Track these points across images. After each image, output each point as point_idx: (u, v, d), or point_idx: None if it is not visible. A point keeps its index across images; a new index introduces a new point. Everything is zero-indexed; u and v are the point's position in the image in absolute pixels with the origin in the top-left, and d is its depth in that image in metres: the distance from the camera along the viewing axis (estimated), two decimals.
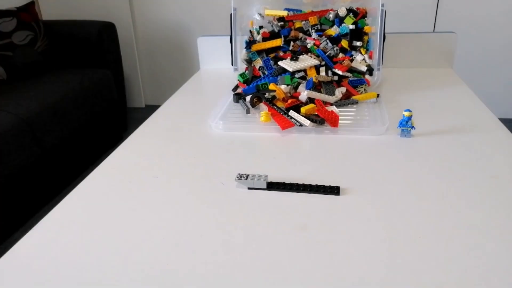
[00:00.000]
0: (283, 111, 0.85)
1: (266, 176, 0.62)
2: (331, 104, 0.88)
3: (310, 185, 0.61)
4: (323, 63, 0.97)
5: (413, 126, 0.75)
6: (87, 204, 0.60)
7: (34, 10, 2.00)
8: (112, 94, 2.09)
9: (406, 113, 0.74)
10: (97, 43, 2.05)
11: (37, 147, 1.57)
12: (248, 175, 0.62)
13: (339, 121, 0.82)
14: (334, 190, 0.60)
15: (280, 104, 0.89)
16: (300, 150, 0.73)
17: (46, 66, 2.01)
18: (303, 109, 0.82)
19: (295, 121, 0.81)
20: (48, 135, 1.63)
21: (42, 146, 1.60)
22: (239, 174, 0.63)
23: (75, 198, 0.62)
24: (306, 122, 0.80)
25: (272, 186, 0.61)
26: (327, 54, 0.99)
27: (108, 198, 0.62)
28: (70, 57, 2.11)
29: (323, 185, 0.61)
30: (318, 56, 0.99)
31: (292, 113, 0.83)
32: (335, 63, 0.98)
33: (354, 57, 1.00)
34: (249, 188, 0.62)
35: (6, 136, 1.43)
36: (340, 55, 1.00)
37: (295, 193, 0.60)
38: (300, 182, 0.63)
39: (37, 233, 0.54)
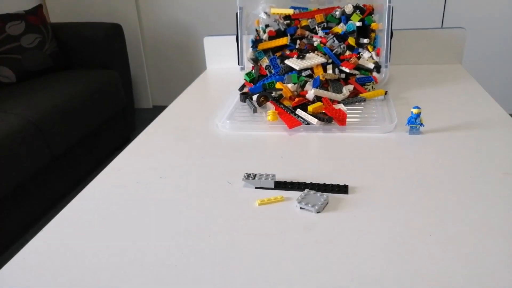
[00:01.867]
0: (290, 110, 0.84)
1: (273, 175, 0.62)
2: (339, 102, 0.88)
3: (318, 184, 0.60)
4: (330, 61, 0.97)
5: (422, 123, 0.74)
6: (95, 206, 0.60)
7: (42, 13, 2.01)
8: (119, 95, 2.10)
9: (415, 110, 0.73)
10: (104, 44, 2.06)
11: (47, 148, 1.58)
12: (255, 174, 0.62)
13: (347, 119, 0.81)
14: (342, 189, 0.59)
15: (287, 103, 0.88)
16: (308, 149, 0.72)
17: (54, 68, 2.03)
18: (310, 108, 0.82)
19: (302, 120, 0.80)
20: (57, 137, 1.64)
21: (51, 147, 1.61)
22: (246, 173, 0.63)
23: (83, 200, 0.62)
24: (314, 120, 0.79)
25: (280, 185, 0.61)
26: (334, 52, 0.98)
27: (116, 199, 0.62)
28: (78, 59, 2.12)
29: (331, 184, 0.60)
30: (324, 54, 0.98)
31: (299, 111, 0.82)
32: (342, 60, 0.97)
33: (361, 54, 0.99)
34: (256, 188, 0.61)
35: (16, 139, 1.44)
36: (347, 52, 0.99)
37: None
38: (308, 181, 0.62)
39: (46, 235, 0.55)
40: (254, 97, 0.91)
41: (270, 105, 0.88)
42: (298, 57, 0.96)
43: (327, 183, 0.61)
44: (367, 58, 0.98)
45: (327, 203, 0.57)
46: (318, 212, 0.55)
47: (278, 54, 1.02)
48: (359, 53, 0.99)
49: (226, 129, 0.83)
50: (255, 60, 1.05)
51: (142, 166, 0.71)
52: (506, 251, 0.46)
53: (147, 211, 0.58)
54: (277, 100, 0.89)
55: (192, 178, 0.66)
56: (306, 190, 0.58)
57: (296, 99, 0.86)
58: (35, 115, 1.56)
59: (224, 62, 1.26)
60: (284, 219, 0.54)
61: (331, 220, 0.54)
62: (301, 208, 0.56)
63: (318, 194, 0.58)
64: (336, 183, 0.61)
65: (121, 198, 0.62)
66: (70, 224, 0.56)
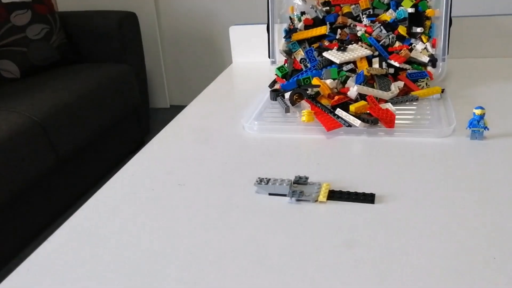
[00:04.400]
0: (329, 110, 0.85)
1: (289, 180, 0.63)
2: (386, 101, 0.87)
3: (340, 192, 0.62)
4: (376, 53, 0.96)
5: (486, 127, 0.73)
6: (105, 214, 0.62)
7: (50, 1, 2.10)
8: (133, 93, 2.15)
9: (478, 111, 0.72)
10: (117, 35, 2.13)
11: (52, 151, 1.64)
12: (269, 179, 0.63)
13: (396, 121, 0.80)
14: (368, 198, 0.60)
15: (325, 102, 0.88)
16: (349, 155, 0.72)
17: (61, 62, 2.11)
18: (352, 107, 0.82)
19: (342, 121, 0.80)
20: (64, 139, 1.70)
21: (57, 150, 1.67)
22: (259, 178, 0.64)
23: (92, 208, 0.64)
24: (356, 122, 0.79)
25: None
26: (381, 43, 0.98)
27: (128, 207, 0.64)
28: (88, 51, 2.20)
29: (356, 192, 0.61)
30: (370, 45, 0.98)
31: (339, 111, 0.83)
32: (390, 53, 0.97)
33: (414, 46, 0.98)
34: (270, 194, 0.63)
35: (18, 140, 1.51)
36: (397, 43, 0.98)
37: (335, 202, 0.60)
38: (352, 191, 0.62)
39: (52, 244, 0.57)
40: (287, 95, 0.92)
41: (305, 104, 0.89)
42: (338, 49, 0.97)
43: (366, 192, 0.61)
44: (420, 50, 0.97)
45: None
46: (316, 201, 0.60)
47: (315, 45, 1.03)
48: (411, 44, 0.99)
49: (253, 131, 0.84)
50: (288, 53, 1.06)
51: (158, 171, 0.73)
52: None
53: (162, 221, 0.60)
54: (314, 99, 0.89)
55: (214, 186, 0.67)
56: (291, 181, 0.63)
57: (336, 97, 0.87)
58: (39, 114, 1.63)
59: (253, 55, 1.28)
60: (319, 235, 0.54)
61: (376, 236, 0.53)
62: (297, 200, 0.61)
63: (309, 182, 0.64)
64: (380, 194, 0.61)
65: (134, 206, 0.64)
66: (77, 233, 0.59)
